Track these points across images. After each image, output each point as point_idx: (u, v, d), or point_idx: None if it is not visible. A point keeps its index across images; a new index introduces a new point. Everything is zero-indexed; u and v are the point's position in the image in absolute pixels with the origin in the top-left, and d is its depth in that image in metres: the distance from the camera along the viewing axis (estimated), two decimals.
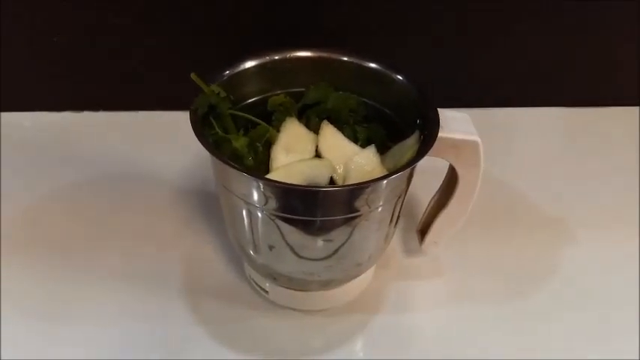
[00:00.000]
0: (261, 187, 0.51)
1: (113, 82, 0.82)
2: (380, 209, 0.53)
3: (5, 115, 0.82)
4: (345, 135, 0.59)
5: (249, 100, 0.60)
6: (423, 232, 0.64)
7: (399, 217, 0.57)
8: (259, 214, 0.53)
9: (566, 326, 0.62)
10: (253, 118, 0.59)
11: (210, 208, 0.71)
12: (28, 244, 0.67)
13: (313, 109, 0.61)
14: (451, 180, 0.59)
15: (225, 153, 0.56)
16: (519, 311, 0.63)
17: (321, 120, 0.60)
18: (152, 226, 0.70)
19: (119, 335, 0.59)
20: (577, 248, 0.69)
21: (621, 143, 0.83)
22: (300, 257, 0.55)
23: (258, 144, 0.58)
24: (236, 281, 0.64)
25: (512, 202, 0.74)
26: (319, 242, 0.54)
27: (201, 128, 0.53)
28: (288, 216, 0.52)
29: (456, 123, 0.55)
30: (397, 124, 0.59)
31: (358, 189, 0.51)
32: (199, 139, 0.51)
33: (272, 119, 0.60)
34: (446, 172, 0.60)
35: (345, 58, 0.60)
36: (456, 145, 0.55)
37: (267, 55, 0.60)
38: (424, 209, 0.64)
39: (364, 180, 0.51)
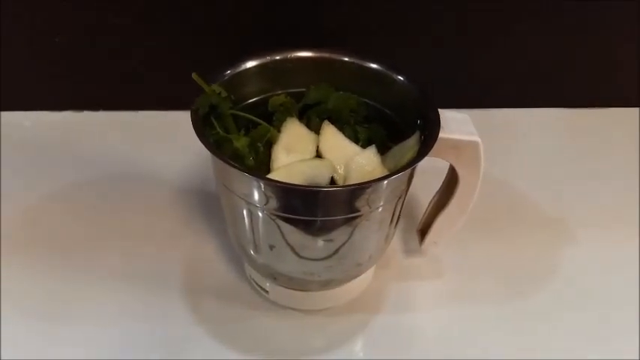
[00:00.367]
0: (262, 187, 0.51)
1: (113, 81, 0.82)
2: (380, 209, 0.53)
3: (5, 114, 0.82)
4: (345, 135, 0.59)
5: (250, 100, 0.60)
6: (423, 232, 0.64)
7: (399, 217, 0.57)
8: (260, 214, 0.53)
9: (566, 326, 0.62)
10: (254, 118, 0.59)
11: (211, 208, 0.71)
12: (28, 244, 0.67)
13: (314, 110, 0.61)
14: (451, 180, 0.59)
15: (226, 153, 0.56)
16: (519, 311, 0.63)
17: (321, 120, 0.60)
18: (152, 226, 0.69)
19: (119, 335, 0.59)
20: (577, 248, 0.69)
21: (621, 143, 0.83)
22: (301, 257, 0.55)
23: (259, 144, 0.58)
24: (236, 281, 0.64)
25: (511, 203, 0.74)
26: (320, 242, 0.54)
27: (203, 128, 0.53)
28: (289, 216, 0.52)
29: (457, 123, 0.55)
30: (398, 124, 0.59)
31: (359, 189, 0.51)
32: (200, 139, 0.51)
33: (273, 119, 0.60)
34: (446, 172, 0.60)
35: (346, 59, 0.60)
36: (457, 146, 0.55)
37: (268, 55, 0.60)
38: (424, 209, 0.64)
39: (365, 180, 0.51)
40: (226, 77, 0.58)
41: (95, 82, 0.82)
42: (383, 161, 0.57)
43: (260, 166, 0.57)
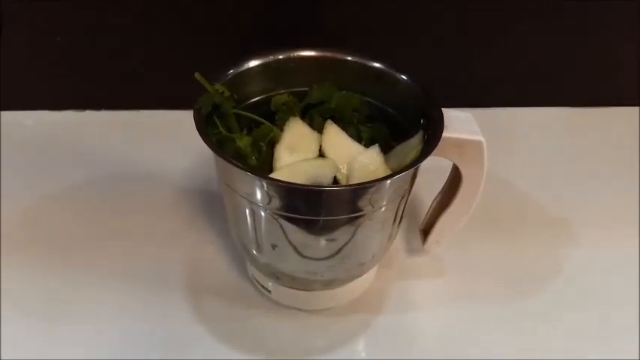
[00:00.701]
0: (265, 186, 0.51)
1: (114, 81, 0.82)
2: (383, 209, 0.53)
3: (6, 113, 0.81)
4: (348, 134, 0.59)
5: (253, 100, 0.60)
6: (425, 231, 0.64)
7: (402, 216, 0.57)
8: (262, 214, 0.53)
9: (567, 326, 0.62)
10: (257, 117, 0.59)
11: (213, 207, 0.71)
12: (28, 243, 0.67)
13: (317, 109, 0.60)
14: (454, 180, 0.59)
15: (229, 152, 0.55)
16: (521, 311, 0.63)
17: (324, 119, 0.60)
18: (153, 226, 0.69)
19: (120, 335, 0.59)
20: (577, 248, 0.69)
21: (621, 143, 0.83)
22: (303, 257, 0.55)
23: (262, 143, 0.58)
24: (238, 281, 0.64)
25: (512, 202, 0.74)
26: (322, 242, 0.54)
27: (205, 127, 0.53)
28: (292, 215, 0.52)
29: (460, 122, 0.55)
30: (401, 123, 0.59)
31: (362, 189, 0.51)
32: (203, 139, 0.51)
33: (275, 118, 0.60)
34: (449, 171, 0.60)
35: (349, 58, 0.60)
36: (460, 145, 0.55)
37: (271, 55, 0.60)
38: (427, 209, 0.64)
39: (368, 180, 0.51)
40: (229, 77, 0.58)
41: (96, 81, 0.81)
42: (386, 160, 0.57)
43: (263, 166, 0.57)
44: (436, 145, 0.52)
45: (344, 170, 0.57)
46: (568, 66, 0.85)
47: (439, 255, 0.66)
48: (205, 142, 0.51)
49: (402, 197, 0.55)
